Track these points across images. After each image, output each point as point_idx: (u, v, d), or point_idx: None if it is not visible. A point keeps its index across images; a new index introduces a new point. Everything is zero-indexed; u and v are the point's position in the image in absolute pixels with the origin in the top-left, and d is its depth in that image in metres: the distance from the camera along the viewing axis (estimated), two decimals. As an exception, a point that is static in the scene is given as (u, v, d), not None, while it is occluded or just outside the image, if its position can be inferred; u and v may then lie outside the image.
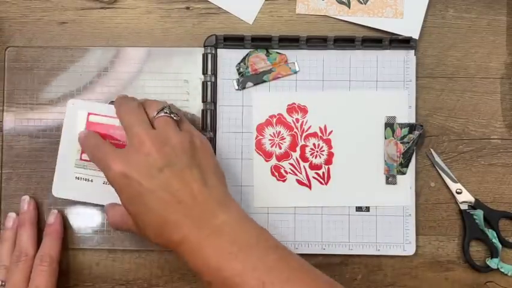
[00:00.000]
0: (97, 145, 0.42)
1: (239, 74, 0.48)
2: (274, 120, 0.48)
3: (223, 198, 0.40)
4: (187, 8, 0.50)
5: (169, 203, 0.37)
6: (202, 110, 0.48)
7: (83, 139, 0.44)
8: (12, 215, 0.47)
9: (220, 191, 0.40)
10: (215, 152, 0.48)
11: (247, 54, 0.49)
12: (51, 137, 0.48)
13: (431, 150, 0.49)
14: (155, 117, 0.41)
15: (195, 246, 0.37)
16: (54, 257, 0.45)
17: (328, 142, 0.48)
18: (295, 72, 0.49)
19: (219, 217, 0.38)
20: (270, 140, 0.48)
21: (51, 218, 0.47)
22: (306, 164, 0.48)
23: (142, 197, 0.38)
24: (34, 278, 0.43)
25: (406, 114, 0.48)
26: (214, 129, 0.48)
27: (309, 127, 0.48)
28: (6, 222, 0.47)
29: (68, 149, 0.45)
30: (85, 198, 0.46)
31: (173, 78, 0.49)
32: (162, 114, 0.41)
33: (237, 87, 0.48)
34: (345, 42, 0.48)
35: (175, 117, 0.41)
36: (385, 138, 0.48)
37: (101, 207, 0.46)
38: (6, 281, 0.44)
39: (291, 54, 0.49)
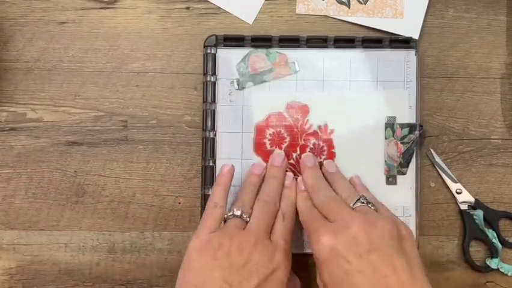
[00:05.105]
0: (310, 210, 0.43)
1: (239, 74, 0.48)
2: (275, 120, 0.48)
3: None
4: (187, 8, 0.50)
5: (377, 286, 0.36)
6: (202, 110, 0.48)
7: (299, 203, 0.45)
8: (262, 164, 0.47)
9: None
10: (215, 152, 0.48)
11: (247, 54, 0.48)
12: (52, 137, 0.48)
13: (431, 150, 0.49)
14: (353, 207, 0.41)
15: None
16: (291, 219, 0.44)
17: (328, 142, 0.48)
18: (295, 72, 0.49)
19: None
20: (270, 140, 0.48)
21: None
22: (306, 164, 0.48)
23: (349, 276, 0.37)
24: (275, 228, 0.43)
25: (406, 114, 0.48)
26: (214, 129, 0.48)
27: (309, 127, 0.48)
28: (256, 169, 0.46)
29: None
30: None
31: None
32: (359, 204, 0.41)
33: (237, 87, 0.48)
34: (345, 42, 0.48)
35: (372, 208, 0.41)
36: (385, 138, 0.48)
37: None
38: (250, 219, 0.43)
39: (291, 54, 0.49)
